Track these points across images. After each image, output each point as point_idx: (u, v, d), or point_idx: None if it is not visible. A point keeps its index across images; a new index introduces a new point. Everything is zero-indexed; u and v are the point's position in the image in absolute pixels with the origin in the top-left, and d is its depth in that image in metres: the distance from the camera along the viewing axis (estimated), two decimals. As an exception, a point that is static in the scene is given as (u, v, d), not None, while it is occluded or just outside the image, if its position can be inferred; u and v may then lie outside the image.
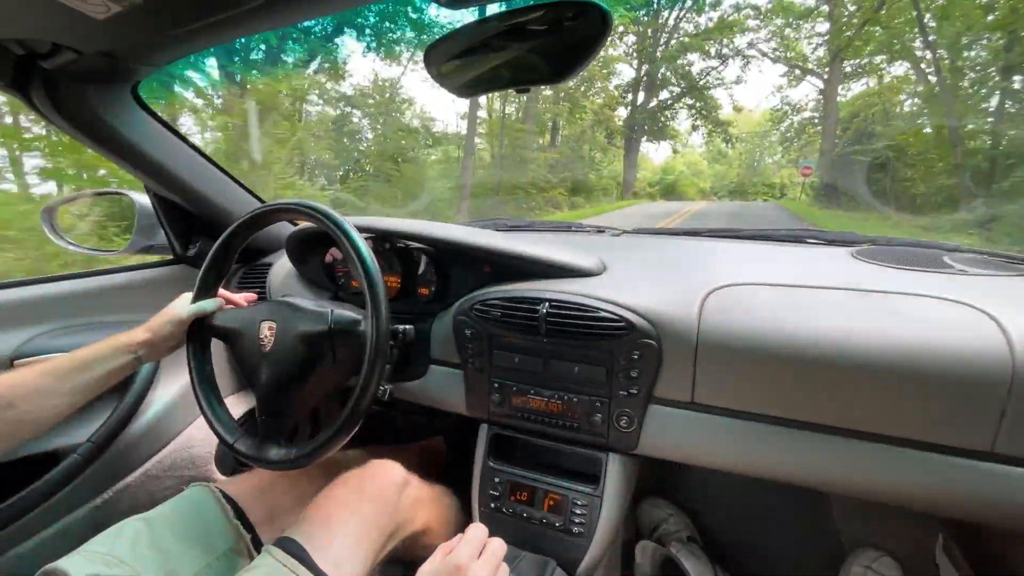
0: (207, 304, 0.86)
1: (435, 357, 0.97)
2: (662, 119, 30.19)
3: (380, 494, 0.80)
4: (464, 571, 0.63)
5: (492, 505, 0.91)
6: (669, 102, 29.44)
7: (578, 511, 0.84)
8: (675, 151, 35.17)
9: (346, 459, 1.14)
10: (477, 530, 0.70)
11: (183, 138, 1.02)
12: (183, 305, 0.87)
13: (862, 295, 0.71)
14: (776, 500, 0.74)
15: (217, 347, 0.88)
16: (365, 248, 0.74)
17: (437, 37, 0.67)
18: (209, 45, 0.81)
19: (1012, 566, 0.83)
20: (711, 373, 0.73)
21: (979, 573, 0.89)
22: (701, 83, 28.05)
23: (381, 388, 0.87)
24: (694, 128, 31.66)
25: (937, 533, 0.98)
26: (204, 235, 1.17)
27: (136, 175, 0.99)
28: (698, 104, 29.46)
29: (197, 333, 0.87)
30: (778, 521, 1.23)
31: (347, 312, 0.76)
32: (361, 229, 0.98)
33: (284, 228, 1.22)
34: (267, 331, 0.80)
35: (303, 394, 0.79)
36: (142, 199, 1.14)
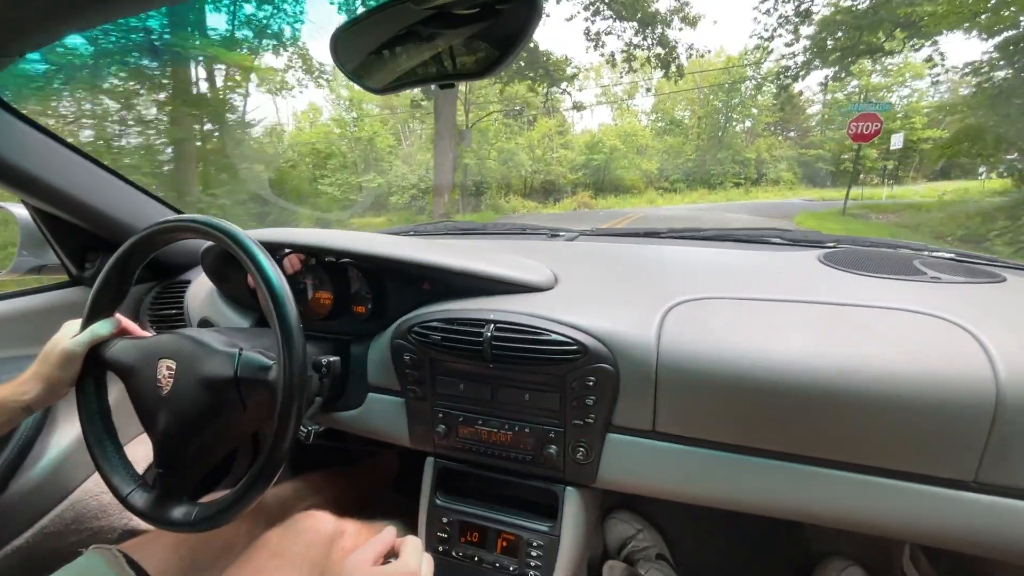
0: (101, 328, 0.73)
1: (373, 384, 0.87)
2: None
3: (305, 553, 0.70)
4: None
5: (440, 548, 0.82)
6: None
7: (534, 552, 0.76)
8: (578, 107, 20.19)
9: (280, 494, 1.03)
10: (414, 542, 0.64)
11: (63, 141, 0.87)
12: (68, 335, 0.74)
13: (832, 309, 0.65)
14: (746, 512, 0.70)
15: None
16: (275, 275, 0.63)
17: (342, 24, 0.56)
18: (75, 29, 0.67)
19: None
20: (673, 399, 0.66)
21: None
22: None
23: (303, 431, 0.77)
24: (602, 50, 14.86)
25: (905, 543, 0.96)
26: (105, 251, 1.02)
27: (5, 188, 0.84)
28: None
29: (89, 363, 0.75)
30: (748, 531, 1.19)
31: (257, 356, 0.65)
32: (281, 244, 0.87)
33: (202, 241, 1.09)
34: (165, 371, 0.68)
35: (207, 445, 0.68)
36: (24, 212, 0.98)
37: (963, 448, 0.54)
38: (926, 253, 0.84)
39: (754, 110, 26.37)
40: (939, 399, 0.53)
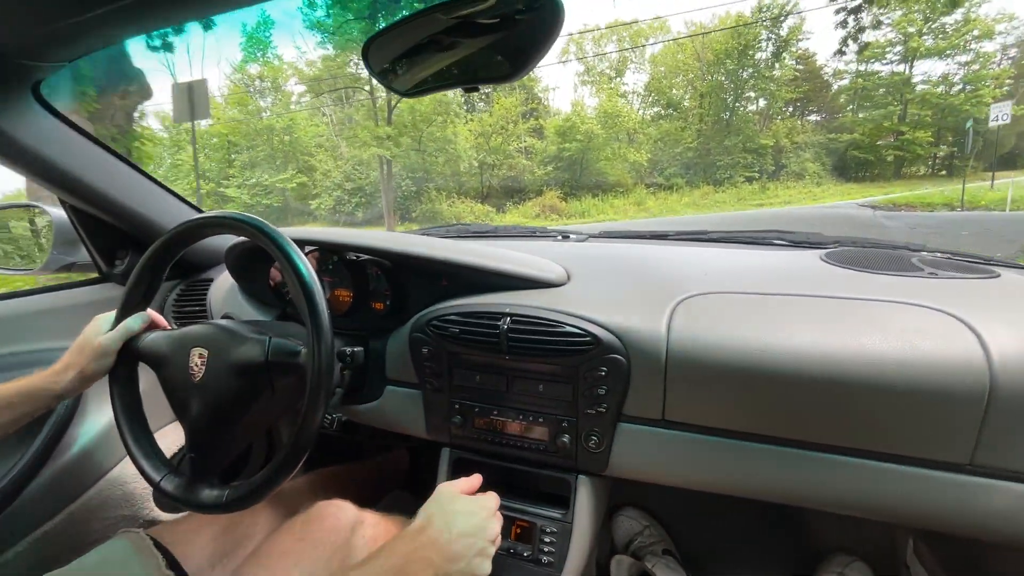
0: (133, 322, 0.78)
1: (391, 377, 0.90)
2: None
3: (327, 539, 0.73)
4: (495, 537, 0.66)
5: None
6: None
7: (547, 539, 0.79)
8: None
9: (295, 488, 1.06)
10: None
11: (101, 143, 0.91)
12: (99, 329, 0.78)
13: (836, 302, 0.68)
14: (751, 506, 0.72)
15: (149, 370, 0.79)
16: (305, 266, 0.67)
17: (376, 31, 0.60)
18: (122, 37, 0.72)
19: (983, 570, 0.83)
20: (682, 388, 0.69)
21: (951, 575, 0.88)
22: None
23: (327, 418, 0.80)
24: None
25: (909, 536, 0.98)
26: (133, 249, 1.06)
27: (46, 187, 0.88)
28: None
29: (121, 356, 0.78)
30: (753, 527, 1.21)
31: (286, 342, 0.69)
32: (305, 242, 0.90)
33: (224, 240, 1.13)
34: (198, 359, 0.72)
35: (238, 429, 0.71)
36: (59, 211, 1.02)
37: (959, 432, 0.57)
38: (924, 252, 0.88)
39: (771, 85, 19.67)
40: (937, 385, 0.56)
